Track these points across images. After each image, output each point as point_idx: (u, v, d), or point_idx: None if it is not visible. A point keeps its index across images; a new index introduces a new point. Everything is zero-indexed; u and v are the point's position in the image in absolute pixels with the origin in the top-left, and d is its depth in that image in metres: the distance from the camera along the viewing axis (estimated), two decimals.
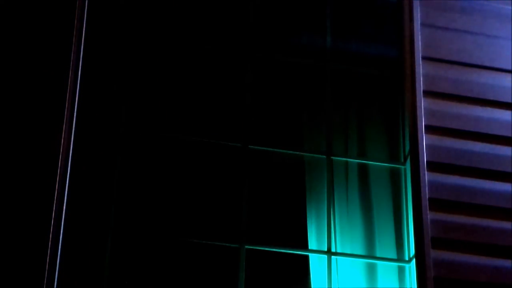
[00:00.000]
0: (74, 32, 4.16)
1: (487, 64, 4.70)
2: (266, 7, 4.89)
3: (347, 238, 4.53)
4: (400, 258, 4.51)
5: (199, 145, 4.60)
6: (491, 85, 4.66)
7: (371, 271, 4.49)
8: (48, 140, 3.95)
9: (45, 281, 3.76)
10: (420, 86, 4.56)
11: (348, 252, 4.49)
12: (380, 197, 4.64)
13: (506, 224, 4.38)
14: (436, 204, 4.34)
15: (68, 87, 4.07)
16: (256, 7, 4.82)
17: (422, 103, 4.53)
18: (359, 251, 4.51)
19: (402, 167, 4.67)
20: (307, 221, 4.61)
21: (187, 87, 4.80)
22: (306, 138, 4.75)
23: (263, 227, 4.87)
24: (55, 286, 3.80)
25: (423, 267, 4.21)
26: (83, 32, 4.22)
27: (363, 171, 4.70)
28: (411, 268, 4.40)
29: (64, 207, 3.92)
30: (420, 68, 4.60)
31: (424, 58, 4.63)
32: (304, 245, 4.63)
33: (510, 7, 4.85)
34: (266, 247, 4.77)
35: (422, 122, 4.49)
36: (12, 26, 4.09)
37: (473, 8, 4.80)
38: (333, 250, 4.45)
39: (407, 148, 4.59)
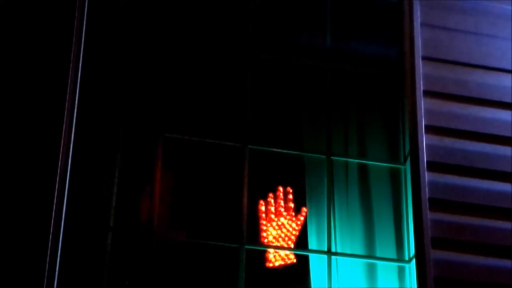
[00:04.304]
0: (74, 32, 4.16)
1: (487, 64, 4.70)
2: (266, 7, 4.89)
3: (347, 238, 4.53)
4: (400, 258, 4.51)
5: (199, 145, 4.60)
6: (491, 85, 4.66)
7: (371, 271, 4.49)
8: (48, 140, 3.95)
9: (45, 281, 3.76)
10: (420, 86, 4.56)
11: (348, 252, 4.49)
12: (380, 197, 4.64)
13: (506, 224, 4.38)
14: (436, 204, 4.34)
15: (68, 87, 4.07)
16: (256, 7, 4.82)
17: (422, 103, 4.52)
18: (359, 251, 4.51)
19: (402, 167, 4.67)
20: (307, 221, 4.61)
21: (187, 87, 4.80)
22: (306, 138, 4.75)
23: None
24: (55, 286, 3.80)
25: (423, 267, 4.21)
26: (83, 32, 4.21)
27: (363, 171, 4.70)
28: (411, 268, 4.40)
29: (64, 207, 3.92)
30: (420, 68, 4.60)
31: (424, 58, 4.63)
32: (304, 245, 4.63)
33: (510, 7, 4.85)
34: (266, 247, 4.76)
35: (422, 122, 4.49)
36: (12, 26, 4.09)
37: (473, 8, 4.80)
38: (333, 250, 4.45)
39: (407, 148, 4.58)
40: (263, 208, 4.90)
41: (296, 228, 4.86)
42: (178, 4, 4.74)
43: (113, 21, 4.58)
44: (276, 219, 4.87)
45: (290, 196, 4.93)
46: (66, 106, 4.04)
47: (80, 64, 4.16)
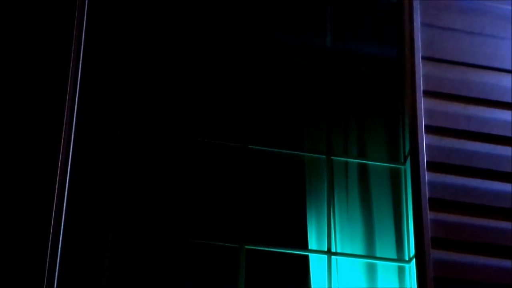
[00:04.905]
0: (74, 32, 4.16)
1: (487, 64, 4.70)
2: (266, 7, 4.89)
3: (347, 238, 4.53)
4: (400, 258, 4.51)
5: (199, 145, 4.60)
6: (491, 85, 4.66)
7: (371, 271, 4.49)
8: (48, 140, 3.95)
9: (45, 281, 3.76)
10: (420, 86, 4.56)
11: (348, 252, 4.49)
12: (380, 197, 4.64)
13: (506, 224, 4.38)
14: (436, 204, 4.34)
15: (68, 87, 4.07)
16: (256, 7, 4.82)
17: (422, 103, 4.53)
18: (359, 251, 4.51)
19: (402, 167, 4.67)
20: (307, 221, 4.61)
21: (187, 88, 4.80)
22: (306, 138, 4.76)
23: (263, 227, 4.87)
24: (55, 286, 3.80)
25: (423, 267, 4.21)
26: (83, 32, 4.22)
27: (363, 171, 4.70)
28: (411, 268, 4.40)
29: (64, 207, 3.92)
30: (420, 68, 4.60)
31: (424, 58, 4.63)
32: (304, 245, 4.63)
33: (510, 7, 4.85)
34: (266, 247, 4.77)
35: (422, 122, 4.49)
36: (12, 26, 4.09)
37: (473, 8, 4.80)
38: (333, 250, 4.45)
39: (407, 148, 4.59)
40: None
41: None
42: (178, 4, 4.74)
43: (113, 21, 4.58)
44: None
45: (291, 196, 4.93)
46: (66, 106, 4.04)
47: (80, 64, 4.16)
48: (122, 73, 4.58)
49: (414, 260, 4.32)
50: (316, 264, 4.48)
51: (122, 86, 4.56)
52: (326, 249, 4.44)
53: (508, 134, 4.56)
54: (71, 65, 4.11)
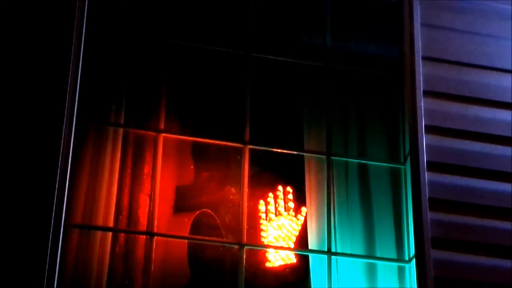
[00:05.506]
0: (74, 32, 4.16)
1: (487, 64, 4.70)
2: (266, 7, 4.89)
3: (347, 238, 4.53)
4: (400, 258, 4.51)
5: (200, 145, 4.60)
6: (491, 85, 4.66)
7: (371, 271, 4.49)
8: (48, 140, 3.95)
9: (45, 281, 3.76)
10: (420, 86, 4.56)
11: (348, 252, 4.49)
12: (380, 197, 4.64)
13: (506, 224, 4.38)
14: (436, 204, 4.34)
15: (68, 87, 4.07)
16: (256, 7, 4.82)
17: (422, 103, 4.52)
18: (359, 251, 4.51)
19: (402, 167, 4.67)
20: (307, 221, 4.61)
21: (187, 88, 4.80)
22: (306, 138, 4.76)
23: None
24: (55, 286, 3.80)
25: (423, 267, 4.21)
26: (83, 32, 4.21)
27: (363, 171, 4.70)
28: (411, 268, 4.40)
29: (64, 207, 3.92)
30: (420, 68, 4.60)
31: (424, 58, 4.63)
32: (304, 245, 4.63)
33: (510, 7, 4.85)
34: (266, 247, 4.77)
35: (422, 122, 4.49)
36: (12, 26, 4.09)
37: (473, 8, 4.80)
38: (333, 250, 4.45)
39: (407, 148, 4.58)
40: (263, 208, 4.91)
41: (296, 228, 4.87)
42: (178, 3, 4.74)
43: (113, 21, 4.58)
44: (276, 219, 4.87)
45: (290, 196, 4.94)
46: (66, 106, 4.04)
47: (80, 64, 4.16)
48: (122, 73, 4.58)
49: (414, 260, 4.32)
50: (316, 264, 4.48)
51: (122, 86, 4.57)
52: (326, 249, 4.44)
53: (508, 134, 4.56)
54: (71, 65, 4.10)
